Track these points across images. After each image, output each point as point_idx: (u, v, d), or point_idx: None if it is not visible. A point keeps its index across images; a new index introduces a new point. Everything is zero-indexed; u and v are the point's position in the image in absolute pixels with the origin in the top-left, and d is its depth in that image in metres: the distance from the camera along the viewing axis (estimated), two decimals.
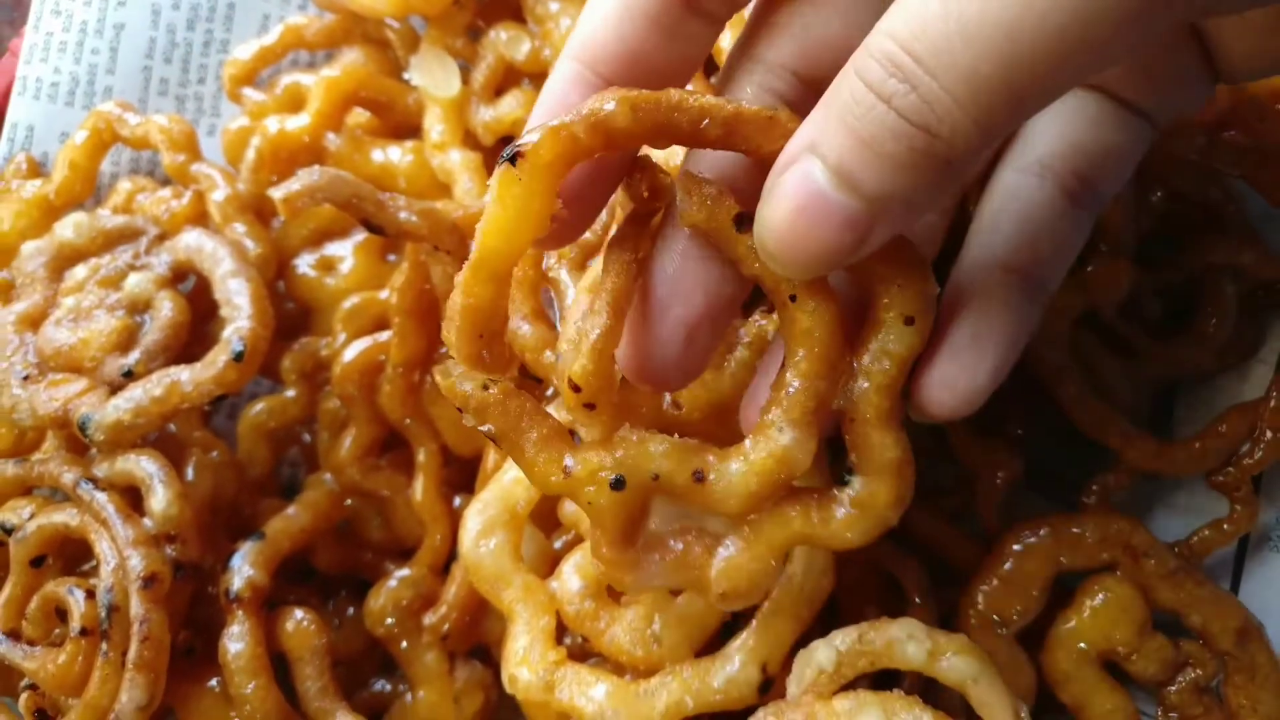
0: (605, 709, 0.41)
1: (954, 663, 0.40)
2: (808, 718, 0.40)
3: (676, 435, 0.36)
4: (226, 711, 0.49)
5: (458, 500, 0.53)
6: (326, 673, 0.49)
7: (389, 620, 0.51)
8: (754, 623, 0.42)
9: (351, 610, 0.54)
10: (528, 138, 0.32)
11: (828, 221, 0.29)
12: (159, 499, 0.48)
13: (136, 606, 0.46)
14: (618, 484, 0.35)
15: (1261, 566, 0.48)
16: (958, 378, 0.36)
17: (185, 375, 0.49)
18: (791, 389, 0.35)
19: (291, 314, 0.58)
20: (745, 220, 0.33)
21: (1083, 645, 0.44)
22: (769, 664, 0.41)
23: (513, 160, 0.31)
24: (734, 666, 0.41)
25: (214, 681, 0.50)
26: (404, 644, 0.52)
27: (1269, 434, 0.45)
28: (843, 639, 0.41)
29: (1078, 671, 0.45)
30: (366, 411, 0.53)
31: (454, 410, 0.52)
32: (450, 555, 0.52)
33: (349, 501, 0.54)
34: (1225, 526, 0.46)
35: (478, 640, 0.52)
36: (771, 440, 0.35)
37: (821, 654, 0.41)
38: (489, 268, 0.34)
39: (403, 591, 0.51)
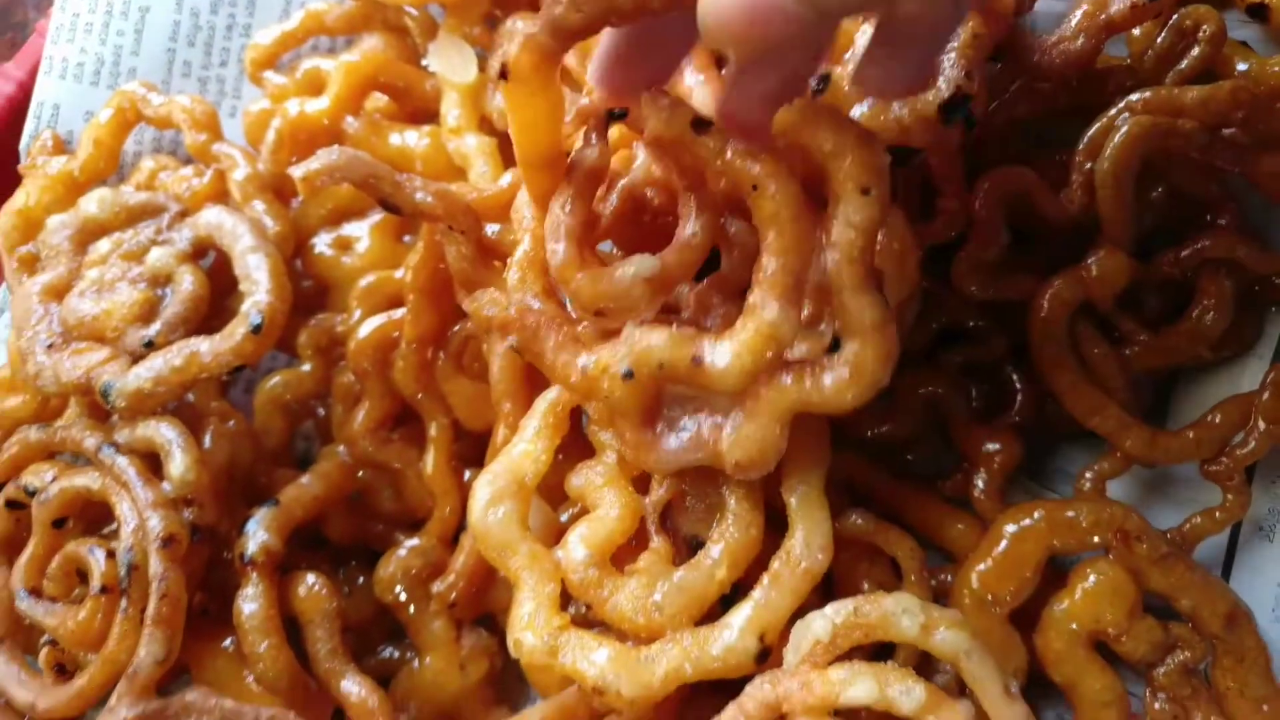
0: (606, 673, 0.42)
1: (947, 637, 0.41)
2: (804, 686, 0.41)
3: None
4: (240, 670, 0.50)
5: (468, 474, 0.54)
6: (337, 636, 0.51)
7: (398, 588, 0.53)
8: (753, 594, 0.43)
9: (361, 579, 0.56)
10: (507, 49, 0.38)
11: (772, 17, 0.31)
12: (177, 464, 0.49)
13: (155, 565, 0.47)
14: (628, 375, 0.41)
15: (1252, 555, 0.49)
16: (893, 69, 0.39)
17: (204, 346, 0.50)
18: (769, 269, 0.39)
19: (308, 292, 0.59)
20: (701, 124, 0.39)
21: (1074, 626, 0.45)
22: (766, 634, 0.42)
23: (504, 76, 0.38)
24: (732, 635, 0.42)
25: (228, 642, 0.51)
26: (412, 611, 0.53)
27: (1263, 425, 0.46)
28: (838, 611, 0.42)
29: (1069, 652, 0.46)
30: (380, 386, 0.54)
31: (466, 386, 0.54)
32: (459, 526, 0.54)
33: (361, 473, 0.55)
34: (1218, 514, 0.47)
35: (484, 609, 0.53)
36: (757, 317, 0.39)
37: (818, 625, 0.42)
38: (533, 163, 0.42)
39: (412, 560, 0.53)
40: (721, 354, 0.40)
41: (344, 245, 0.59)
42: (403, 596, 0.53)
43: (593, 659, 0.43)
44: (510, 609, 0.44)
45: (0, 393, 0.58)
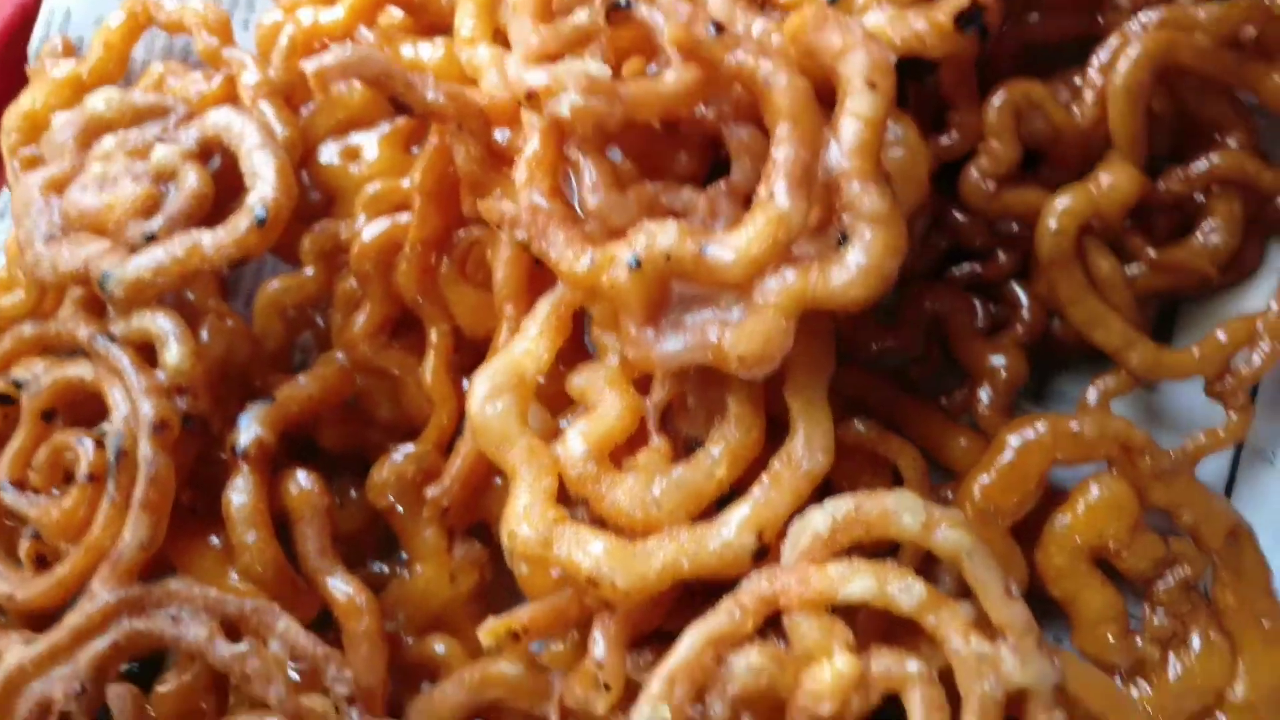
0: (601, 565, 0.42)
1: (948, 535, 0.40)
2: (801, 581, 0.41)
3: None
4: (225, 569, 0.50)
5: (466, 383, 0.54)
6: (326, 535, 0.50)
7: (391, 493, 0.52)
8: (752, 492, 0.43)
9: (354, 492, 0.55)
10: None
11: None
12: (173, 353, 0.49)
13: (145, 450, 0.47)
14: (635, 264, 0.40)
15: (1254, 480, 0.48)
16: None
17: (207, 238, 0.49)
18: (779, 160, 0.39)
19: (314, 204, 0.58)
20: (719, 27, 0.40)
21: (1076, 540, 0.45)
22: (765, 531, 0.42)
23: None
24: (730, 531, 0.42)
25: (215, 539, 0.51)
26: (404, 518, 0.52)
27: (1268, 344, 0.46)
28: (838, 506, 0.41)
29: (1070, 567, 0.45)
30: (381, 289, 0.54)
31: (469, 293, 0.53)
32: (456, 435, 0.53)
33: (358, 379, 0.55)
34: (1221, 433, 0.46)
35: (477, 517, 0.53)
36: (766, 207, 0.39)
37: (817, 519, 0.41)
38: None
39: (407, 465, 0.52)
40: (729, 245, 0.40)
41: (351, 155, 0.58)
42: (395, 503, 0.52)
43: (588, 550, 0.42)
44: (506, 502, 0.44)
45: None
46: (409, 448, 0.53)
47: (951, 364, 0.51)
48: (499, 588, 0.53)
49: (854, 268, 0.40)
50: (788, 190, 0.40)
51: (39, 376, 0.51)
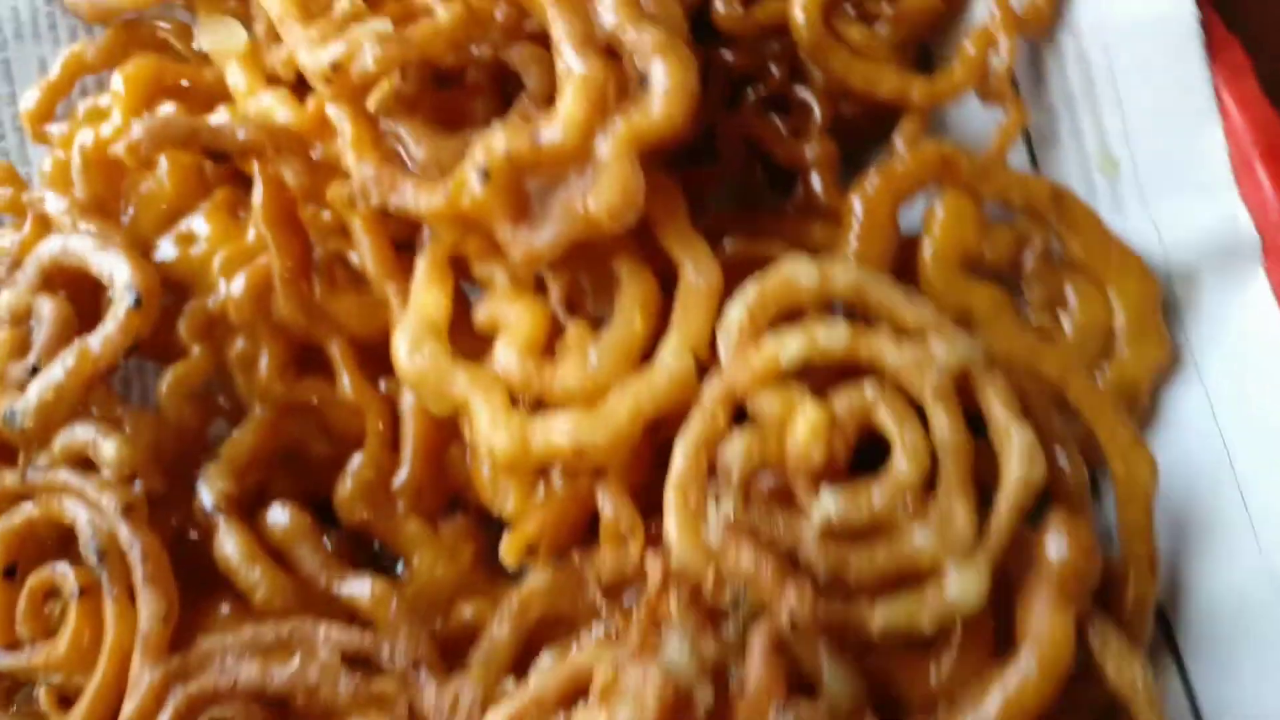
0: (578, 434, 0.45)
1: (843, 275, 0.46)
2: (744, 366, 0.45)
3: None
4: (245, 621, 0.50)
5: (383, 385, 0.56)
6: (321, 549, 0.52)
7: (360, 504, 0.54)
8: (671, 322, 0.47)
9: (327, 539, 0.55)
10: None
11: None
12: (107, 447, 0.50)
13: (125, 535, 0.48)
14: (483, 174, 0.45)
15: (1049, 156, 0.56)
16: None
17: (91, 339, 0.51)
18: (558, 34, 0.45)
19: (168, 305, 0.57)
20: None
21: (944, 256, 0.51)
22: (697, 349, 0.46)
23: None
24: (669, 359, 0.47)
25: (225, 608, 0.52)
26: (382, 522, 0.54)
27: (1004, 39, 0.53)
28: (744, 293, 0.46)
29: (949, 282, 0.51)
30: (269, 331, 0.55)
31: (349, 299, 0.56)
32: (395, 432, 0.55)
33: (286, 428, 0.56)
34: (1008, 124, 0.53)
35: (449, 491, 0.55)
36: (569, 77, 0.45)
37: (733, 313, 0.46)
38: None
39: (364, 470, 0.54)
40: (554, 123, 0.45)
41: (186, 240, 0.59)
42: (368, 512, 0.54)
43: (561, 429, 0.46)
44: (470, 429, 0.48)
45: None
46: (358, 457, 0.54)
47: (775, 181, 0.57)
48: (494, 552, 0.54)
49: (661, 91, 0.45)
50: (578, 54, 0.45)
51: None
